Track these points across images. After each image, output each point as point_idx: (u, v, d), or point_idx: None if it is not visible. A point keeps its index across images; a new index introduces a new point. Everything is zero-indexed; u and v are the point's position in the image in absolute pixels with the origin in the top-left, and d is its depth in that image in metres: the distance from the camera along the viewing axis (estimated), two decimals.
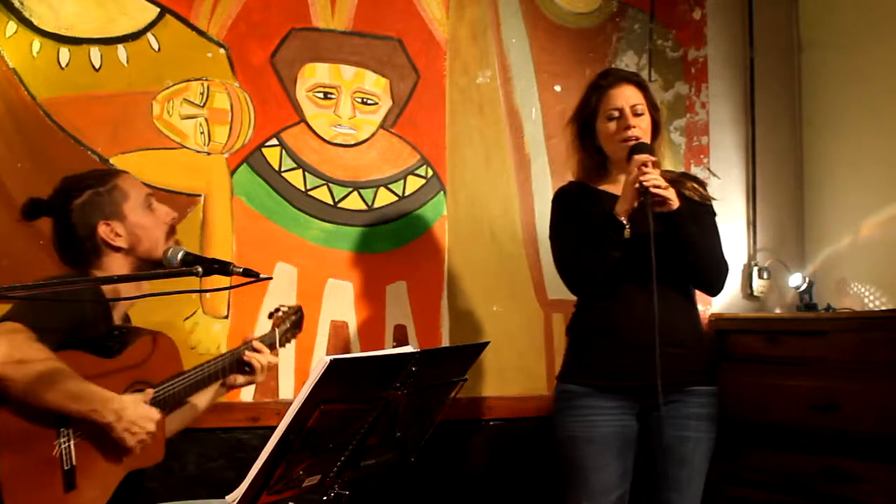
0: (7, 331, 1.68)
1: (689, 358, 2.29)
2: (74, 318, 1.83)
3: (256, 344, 2.13)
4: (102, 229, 1.96)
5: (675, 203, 2.20)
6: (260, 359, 2.11)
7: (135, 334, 1.97)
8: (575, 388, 2.31)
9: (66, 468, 1.73)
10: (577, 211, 2.38)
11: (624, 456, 2.29)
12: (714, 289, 2.39)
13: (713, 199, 2.45)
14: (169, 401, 1.91)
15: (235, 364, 2.10)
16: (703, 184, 2.47)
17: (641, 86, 2.36)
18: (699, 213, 2.36)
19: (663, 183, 2.18)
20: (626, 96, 2.31)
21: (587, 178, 2.44)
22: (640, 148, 2.24)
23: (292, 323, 2.30)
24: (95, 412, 1.73)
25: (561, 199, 2.46)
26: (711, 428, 2.31)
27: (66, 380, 1.71)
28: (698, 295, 2.68)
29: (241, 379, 2.13)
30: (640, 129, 2.29)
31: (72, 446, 1.75)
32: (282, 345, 2.23)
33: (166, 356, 2.01)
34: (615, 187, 2.36)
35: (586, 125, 2.38)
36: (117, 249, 1.99)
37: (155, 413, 1.83)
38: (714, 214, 2.42)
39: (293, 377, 2.78)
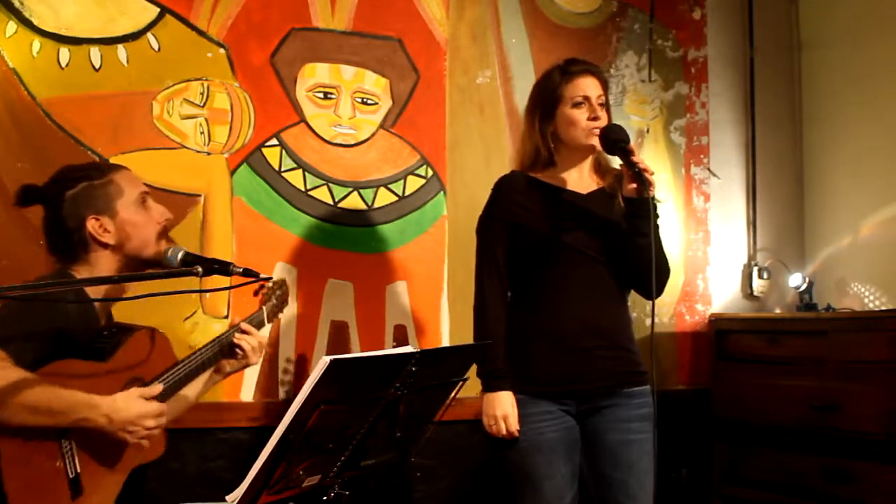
0: None
1: (626, 359, 2.26)
2: (56, 322, 1.79)
3: (244, 325, 2.09)
4: (91, 224, 1.92)
5: (654, 187, 2.16)
6: (249, 340, 2.07)
7: (126, 332, 1.92)
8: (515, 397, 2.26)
9: (70, 476, 1.73)
10: (513, 205, 2.31)
11: (572, 459, 2.26)
12: (659, 288, 2.27)
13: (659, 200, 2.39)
14: (165, 394, 1.88)
15: (227, 349, 2.07)
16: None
17: (605, 82, 2.34)
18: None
19: (650, 167, 2.17)
20: (593, 87, 2.28)
21: (531, 167, 2.35)
22: (615, 129, 2.22)
23: (278, 298, 2.26)
24: (85, 420, 1.71)
25: (498, 190, 2.38)
26: (651, 427, 2.24)
27: (45, 399, 1.67)
28: (699, 296, 2.69)
29: (233, 363, 2.10)
30: (603, 120, 2.27)
31: (74, 455, 1.74)
32: (269, 321, 2.20)
33: (160, 352, 1.98)
34: (558, 179, 2.32)
35: (548, 111, 2.31)
36: (105, 246, 1.94)
37: (153, 407, 1.79)
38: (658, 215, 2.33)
39: (293, 377, 2.78)
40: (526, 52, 3.22)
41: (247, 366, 2.11)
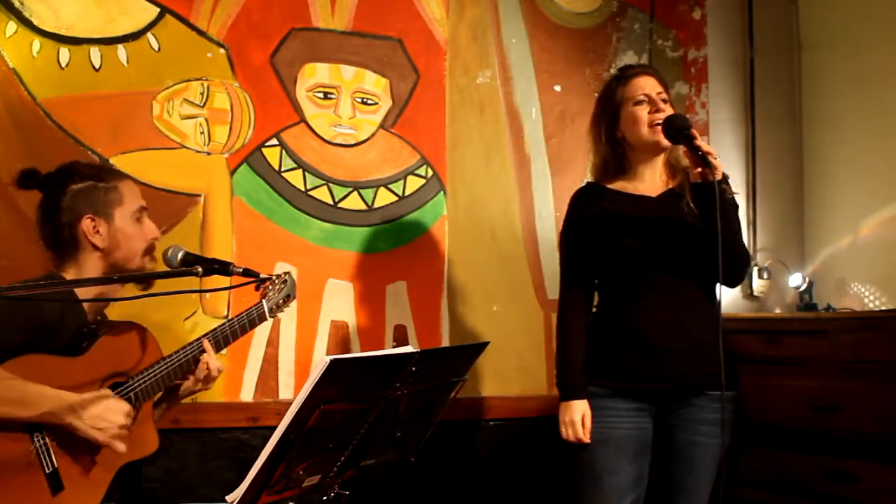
0: None
1: (708, 361, 2.18)
2: (39, 323, 1.80)
3: (206, 343, 1.99)
4: (86, 223, 1.95)
5: (721, 170, 2.15)
6: (210, 362, 1.98)
7: (105, 327, 1.92)
8: (591, 389, 2.29)
9: (48, 471, 1.71)
10: (585, 216, 2.36)
11: (639, 460, 2.28)
12: (737, 276, 2.30)
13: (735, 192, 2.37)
14: (147, 391, 1.87)
15: (192, 364, 2.00)
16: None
17: (664, 80, 2.36)
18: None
19: (713, 150, 2.16)
20: (651, 85, 2.31)
21: (604, 177, 2.39)
22: (676, 118, 2.21)
23: (281, 292, 2.19)
24: (51, 414, 1.70)
25: (572, 204, 2.44)
26: (725, 432, 2.23)
27: (10, 387, 1.66)
28: None
29: (187, 386, 2.03)
30: (667, 114, 2.26)
31: (49, 448, 1.72)
32: (272, 314, 2.15)
33: (142, 346, 1.96)
34: (631, 185, 2.35)
35: (612, 118, 2.34)
36: (94, 248, 1.97)
37: (124, 405, 1.79)
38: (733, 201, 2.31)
39: (293, 377, 2.78)
40: (526, 52, 3.22)
41: (195, 392, 2.04)
